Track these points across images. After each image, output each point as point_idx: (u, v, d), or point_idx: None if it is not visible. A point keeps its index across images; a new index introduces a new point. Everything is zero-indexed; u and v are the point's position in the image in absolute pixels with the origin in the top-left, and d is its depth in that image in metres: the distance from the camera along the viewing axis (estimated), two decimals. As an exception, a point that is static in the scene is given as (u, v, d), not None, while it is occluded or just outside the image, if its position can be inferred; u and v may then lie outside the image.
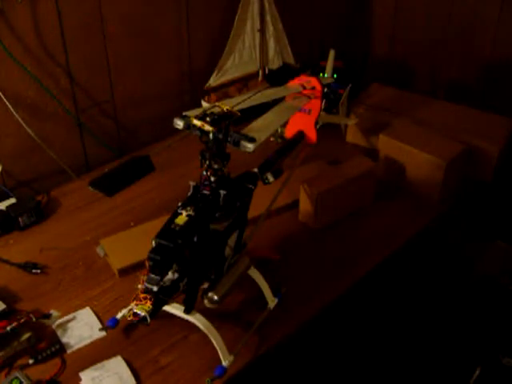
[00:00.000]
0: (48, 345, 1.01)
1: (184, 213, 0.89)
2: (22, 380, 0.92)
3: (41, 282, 1.17)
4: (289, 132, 1.27)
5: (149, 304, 0.86)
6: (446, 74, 2.00)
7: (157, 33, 1.62)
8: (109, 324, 1.03)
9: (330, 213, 1.34)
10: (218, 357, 0.96)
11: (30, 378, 0.94)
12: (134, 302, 0.86)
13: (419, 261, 1.53)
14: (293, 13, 1.91)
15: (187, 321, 0.98)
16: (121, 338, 1.04)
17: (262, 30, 1.70)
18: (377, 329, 1.48)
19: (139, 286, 0.88)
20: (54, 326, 1.05)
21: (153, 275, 0.85)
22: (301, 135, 1.24)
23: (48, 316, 1.06)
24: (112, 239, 1.26)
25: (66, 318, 1.07)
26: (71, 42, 1.44)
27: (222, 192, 0.94)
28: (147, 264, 0.86)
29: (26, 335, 0.99)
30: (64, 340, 1.02)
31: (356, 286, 1.19)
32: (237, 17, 1.66)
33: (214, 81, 1.70)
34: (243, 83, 1.76)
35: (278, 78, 1.75)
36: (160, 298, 0.87)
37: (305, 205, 1.33)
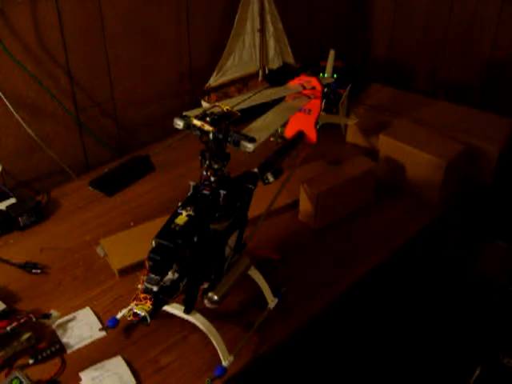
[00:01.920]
0: (48, 345, 1.01)
1: (184, 213, 0.89)
2: (22, 380, 0.92)
3: (41, 282, 1.17)
4: (289, 132, 1.27)
5: (149, 304, 0.86)
6: (446, 74, 2.00)
7: (157, 33, 1.62)
8: (109, 324, 1.03)
9: (330, 213, 1.34)
10: (218, 357, 0.96)
11: (30, 377, 0.93)
12: (134, 302, 0.86)
13: (419, 261, 1.53)
14: (293, 13, 1.91)
15: (187, 321, 0.98)
16: (121, 338, 1.04)
17: (262, 30, 1.70)
18: (377, 329, 1.48)
19: (139, 286, 0.88)
20: (54, 326, 1.05)
21: (153, 275, 0.85)
22: (301, 135, 1.24)
23: (48, 316, 1.06)
24: (112, 239, 1.26)
25: (66, 317, 1.07)
26: (71, 42, 1.44)
27: (222, 192, 0.94)
28: (147, 264, 0.86)
29: (26, 335, 0.99)
30: (64, 340, 1.02)
31: (356, 285, 1.19)
32: (237, 17, 1.66)
33: (214, 81, 1.70)
34: (243, 83, 1.76)
35: (277, 77, 1.75)
36: (160, 298, 0.87)
37: (305, 205, 1.33)
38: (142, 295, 0.86)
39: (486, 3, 1.80)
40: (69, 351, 1.01)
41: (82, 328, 1.05)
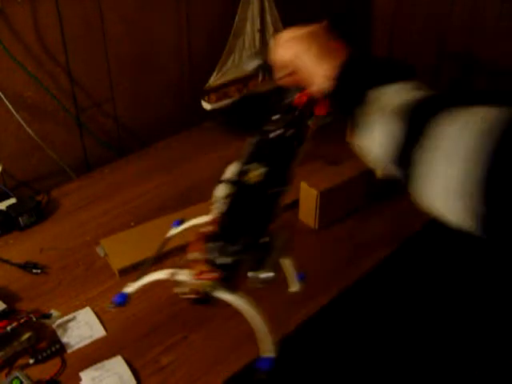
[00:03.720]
0: (48, 345, 1.00)
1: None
2: (23, 380, 0.92)
3: (41, 282, 1.17)
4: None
5: (216, 278, 0.69)
6: (446, 74, 2.00)
7: (157, 32, 1.62)
8: (117, 300, 0.86)
9: (330, 212, 1.34)
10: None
11: (31, 377, 0.94)
12: (195, 273, 0.69)
13: (419, 261, 1.53)
14: (293, 13, 1.90)
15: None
16: (121, 338, 1.04)
17: (262, 31, 1.70)
18: (377, 329, 1.48)
19: (195, 256, 0.70)
20: (54, 326, 1.05)
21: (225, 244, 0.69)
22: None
23: (48, 316, 1.06)
24: (112, 239, 1.26)
25: (66, 317, 1.07)
26: (71, 42, 1.44)
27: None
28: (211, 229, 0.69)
29: (26, 335, 0.99)
30: (64, 340, 1.02)
31: (357, 285, 1.19)
32: (237, 17, 1.66)
33: (214, 81, 1.70)
34: (243, 83, 1.75)
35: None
36: (231, 273, 0.70)
37: (305, 204, 1.33)
38: (204, 268, 0.69)
39: (485, 3, 1.80)
40: (69, 351, 1.01)
41: (81, 328, 1.05)
